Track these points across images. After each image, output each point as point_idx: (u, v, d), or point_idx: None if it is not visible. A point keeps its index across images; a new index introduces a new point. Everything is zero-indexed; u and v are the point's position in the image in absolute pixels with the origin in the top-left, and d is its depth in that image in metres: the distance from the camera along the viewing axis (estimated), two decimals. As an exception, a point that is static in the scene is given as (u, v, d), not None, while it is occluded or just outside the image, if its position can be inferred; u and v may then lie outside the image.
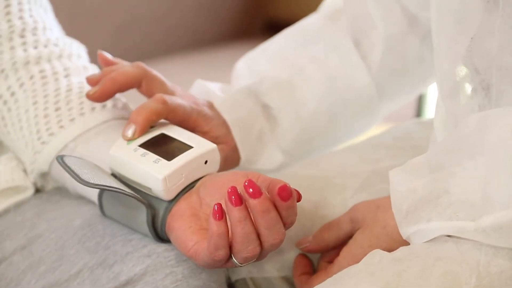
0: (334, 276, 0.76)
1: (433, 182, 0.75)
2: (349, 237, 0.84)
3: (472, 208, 0.72)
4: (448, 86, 0.79)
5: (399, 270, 0.72)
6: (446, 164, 0.75)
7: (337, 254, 0.84)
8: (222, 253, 0.74)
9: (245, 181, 0.72)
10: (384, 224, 0.79)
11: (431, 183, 0.75)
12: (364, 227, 0.81)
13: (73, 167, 0.80)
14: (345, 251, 0.82)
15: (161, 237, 0.82)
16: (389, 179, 0.79)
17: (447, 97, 0.80)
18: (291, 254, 0.91)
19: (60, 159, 0.81)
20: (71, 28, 1.18)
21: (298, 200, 0.76)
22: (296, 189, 0.75)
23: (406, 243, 0.77)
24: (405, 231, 0.76)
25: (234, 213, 0.73)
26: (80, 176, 0.78)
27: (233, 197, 0.72)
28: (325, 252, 0.87)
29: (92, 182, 0.78)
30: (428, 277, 0.71)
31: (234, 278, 0.91)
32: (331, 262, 0.86)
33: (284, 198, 0.73)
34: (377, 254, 0.75)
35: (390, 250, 0.76)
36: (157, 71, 0.91)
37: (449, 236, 0.74)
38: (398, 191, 0.77)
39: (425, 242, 0.75)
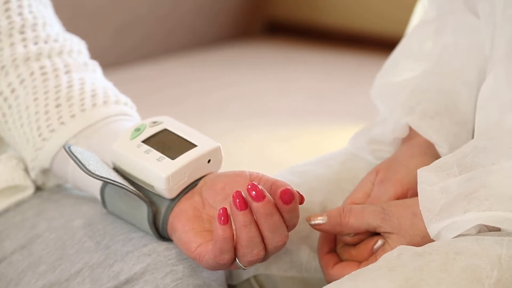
0: (354, 272, 0.74)
1: (468, 180, 0.75)
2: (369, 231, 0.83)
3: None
4: None
5: (420, 264, 0.71)
6: (480, 164, 0.75)
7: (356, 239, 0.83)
8: (227, 256, 0.74)
9: (248, 184, 0.72)
10: (425, 234, 0.78)
11: (465, 181, 0.75)
12: (401, 234, 0.80)
13: (80, 157, 0.79)
14: None
15: (162, 235, 0.81)
16: (418, 179, 0.78)
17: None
18: (300, 254, 0.90)
19: (68, 148, 0.80)
20: (72, 28, 1.18)
21: (301, 203, 0.75)
22: (299, 191, 0.75)
23: None
24: (435, 227, 0.76)
25: (239, 218, 0.72)
26: (87, 166, 0.78)
27: (237, 201, 0.72)
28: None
29: (97, 173, 0.77)
30: (449, 271, 0.70)
31: (239, 279, 0.90)
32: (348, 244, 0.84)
33: (287, 201, 0.73)
34: (396, 249, 0.75)
35: None
36: (157, 71, 0.91)
37: (469, 234, 0.74)
38: (429, 190, 0.77)
39: (445, 239, 0.74)
